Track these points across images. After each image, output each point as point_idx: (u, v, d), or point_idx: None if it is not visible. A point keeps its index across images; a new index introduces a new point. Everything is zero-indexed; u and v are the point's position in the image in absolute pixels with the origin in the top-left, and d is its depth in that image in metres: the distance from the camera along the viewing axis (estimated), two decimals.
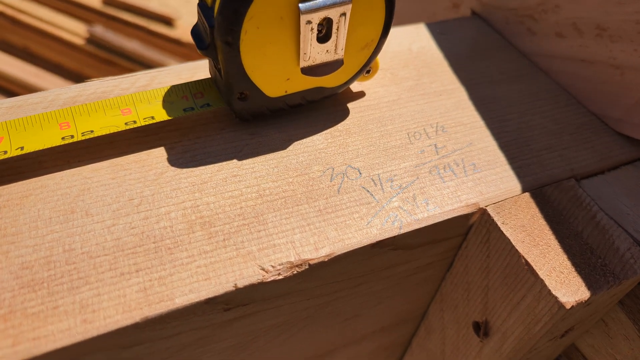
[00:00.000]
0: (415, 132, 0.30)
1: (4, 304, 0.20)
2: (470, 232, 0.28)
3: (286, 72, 0.26)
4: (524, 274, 0.25)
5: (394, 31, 0.38)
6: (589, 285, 0.24)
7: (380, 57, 0.31)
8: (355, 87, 0.32)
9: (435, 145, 0.29)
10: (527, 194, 0.28)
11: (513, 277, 0.26)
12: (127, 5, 1.56)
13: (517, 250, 0.26)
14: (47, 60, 1.47)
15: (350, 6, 0.25)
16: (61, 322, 0.20)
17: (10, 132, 0.25)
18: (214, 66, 0.27)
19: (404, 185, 0.27)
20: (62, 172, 0.25)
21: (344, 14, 0.25)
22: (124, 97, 0.27)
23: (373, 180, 0.27)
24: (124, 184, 0.25)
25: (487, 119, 0.31)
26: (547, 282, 0.24)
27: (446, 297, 0.33)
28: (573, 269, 0.25)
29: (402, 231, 0.25)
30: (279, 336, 0.29)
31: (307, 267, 0.23)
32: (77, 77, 1.43)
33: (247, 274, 0.22)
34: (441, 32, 0.38)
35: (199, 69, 0.32)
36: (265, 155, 0.28)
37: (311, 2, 0.24)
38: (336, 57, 0.27)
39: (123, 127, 0.26)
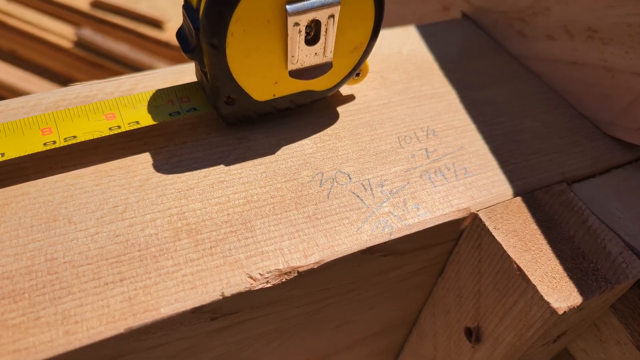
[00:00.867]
0: (405, 136, 0.30)
1: None
2: (462, 237, 0.28)
3: (274, 76, 0.26)
4: (516, 279, 0.25)
5: (383, 33, 0.37)
6: (581, 291, 0.24)
7: (370, 59, 0.31)
8: (344, 90, 0.32)
9: (426, 149, 0.29)
10: (518, 199, 0.28)
11: (505, 282, 0.26)
12: (116, 8, 1.55)
13: (508, 255, 0.25)
14: (34, 64, 1.46)
15: (338, 8, 0.24)
16: (43, 333, 0.20)
17: None
18: (200, 69, 0.26)
19: (395, 190, 0.27)
20: (44, 178, 0.25)
21: (332, 16, 0.24)
22: (108, 101, 0.26)
23: (363, 185, 0.27)
24: (108, 191, 0.24)
25: (478, 123, 0.31)
26: (539, 288, 0.24)
27: (438, 302, 0.33)
28: (565, 274, 0.25)
29: (393, 237, 0.25)
30: (268, 344, 0.28)
31: (296, 274, 0.23)
32: (65, 81, 1.42)
33: (234, 282, 0.22)
34: (431, 35, 0.38)
35: (185, 73, 0.31)
36: (253, 160, 0.27)
37: (299, 4, 0.23)
38: (325, 60, 0.27)
39: (107, 133, 0.25)
